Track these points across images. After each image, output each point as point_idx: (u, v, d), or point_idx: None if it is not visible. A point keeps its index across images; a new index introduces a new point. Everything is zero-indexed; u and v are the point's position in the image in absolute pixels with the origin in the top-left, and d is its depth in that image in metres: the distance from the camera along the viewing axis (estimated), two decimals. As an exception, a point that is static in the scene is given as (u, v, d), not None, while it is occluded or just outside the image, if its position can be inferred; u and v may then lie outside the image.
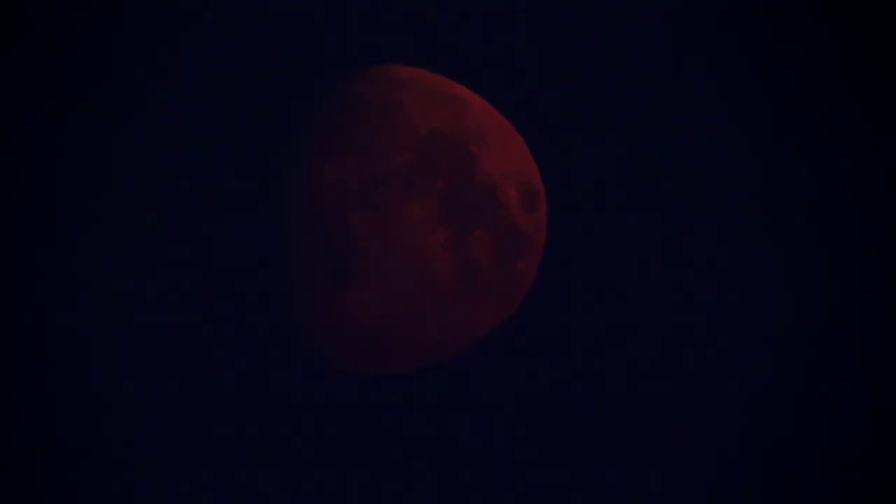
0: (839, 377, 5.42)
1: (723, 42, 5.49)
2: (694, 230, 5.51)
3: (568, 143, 5.48)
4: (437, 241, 4.63)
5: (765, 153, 5.51)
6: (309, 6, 5.37)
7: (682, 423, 5.43)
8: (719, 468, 5.40)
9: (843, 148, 5.49)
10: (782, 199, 5.51)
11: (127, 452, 5.13)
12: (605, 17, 5.48)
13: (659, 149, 5.53)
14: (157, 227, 5.23)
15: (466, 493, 5.33)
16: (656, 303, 5.48)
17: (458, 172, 4.71)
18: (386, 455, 5.31)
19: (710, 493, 5.38)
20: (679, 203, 5.52)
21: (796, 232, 5.50)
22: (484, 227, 4.72)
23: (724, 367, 5.46)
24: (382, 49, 5.38)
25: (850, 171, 5.48)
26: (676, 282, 5.49)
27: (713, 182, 5.52)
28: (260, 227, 5.07)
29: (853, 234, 5.47)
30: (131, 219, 5.21)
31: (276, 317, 5.09)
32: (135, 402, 5.16)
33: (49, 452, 5.06)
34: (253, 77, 5.30)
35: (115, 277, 5.18)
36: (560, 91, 5.49)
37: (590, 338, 5.44)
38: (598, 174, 5.51)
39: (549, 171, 5.21)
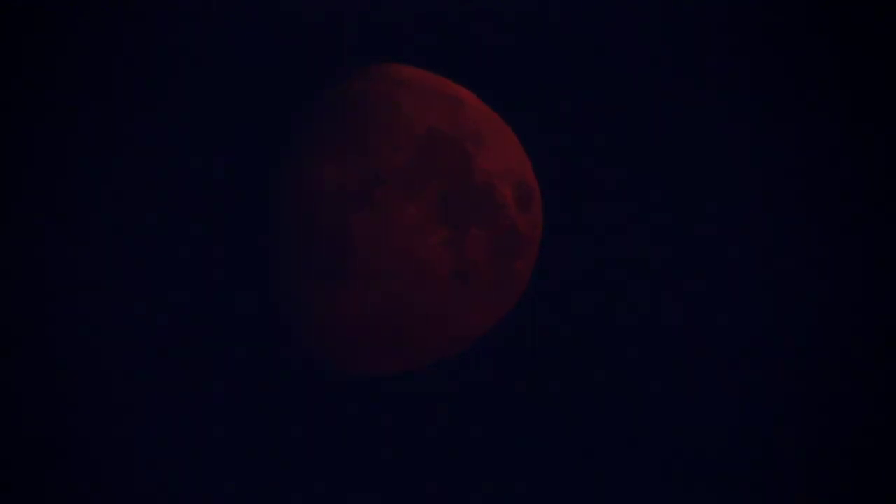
0: (840, 377, 5.41)
1: (722, 41, 5.49)
2: (692, 229, 5.51)
3: (563, 142, 5.50)
4: (434, 241, 4.64)
5: (766, 152, 5.51)
6: (308, 6, 5.38)
7: (683, 423, 5.42)
8: (719, 468, 5.40)
9: (844, 147, 5.49)
10: (784, 198, 5.51)
11: (120, 452, 5.13)
12: (602, 17, 5.49)
13: (656, 148, 5.54)
14: (155, 226, 5.24)
15: (466, 492, 5.33)
16: (653, 302, 5.48)
17: (456, 172, 4.72)
18: (385, 455, 5.31)
19: (710, 493, 5.37)
20: (676, 202, 5.53)
21: (798, 231, 5.50)
22: (481, 226, 4.72)
23: (725, 367, 5.46)
24: (382, 49, 5.39)
25: (851, 170, 5.48)
26: (674, 281, 5.50)
27: (711, 181, 5.53)
28: (258, 227, 5.07)
29: (855, 233, 5.46)
30: (129, 218, 5.22)
31: (275, 317, 5.09)
32: (129, 402, 5.16)
33: (45, 452, 5.07)
34: (252, 77, 5.31)
35: (111, 277, 5.19)
36: (556, 91, 5.51)
37: (587, 336, 5.44)
38: (593, 173, 5.52)
39: (544, 171, 5.23)
